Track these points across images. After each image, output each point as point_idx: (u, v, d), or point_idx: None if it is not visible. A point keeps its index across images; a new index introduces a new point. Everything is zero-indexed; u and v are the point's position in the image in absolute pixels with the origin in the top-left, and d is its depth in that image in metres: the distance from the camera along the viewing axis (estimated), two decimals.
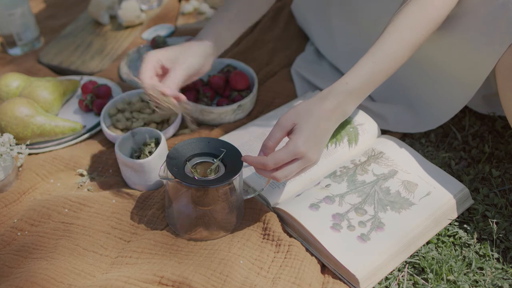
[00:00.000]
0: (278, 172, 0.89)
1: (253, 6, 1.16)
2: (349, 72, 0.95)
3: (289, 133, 0.92)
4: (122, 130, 1.19)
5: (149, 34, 1.53)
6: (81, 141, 1.23)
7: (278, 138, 0.92)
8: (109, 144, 1.21)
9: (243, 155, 0.94)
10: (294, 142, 0.89)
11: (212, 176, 0.95)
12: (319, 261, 0.95)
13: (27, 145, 1.18)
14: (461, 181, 1.08)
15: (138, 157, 1.08)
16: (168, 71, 1.03)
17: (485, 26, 1.00)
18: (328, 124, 0.92)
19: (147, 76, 1.01)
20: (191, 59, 1.05)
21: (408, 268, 0.95)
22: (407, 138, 1.19)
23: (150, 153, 1.09)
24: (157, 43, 1.45)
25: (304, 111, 0.92)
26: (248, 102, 1.23)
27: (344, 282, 0.92)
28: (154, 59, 1.02)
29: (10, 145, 1.10)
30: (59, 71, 1.45)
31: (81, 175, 1.14)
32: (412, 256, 0.96)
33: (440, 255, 0.96)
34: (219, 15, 1.13)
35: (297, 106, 0.93)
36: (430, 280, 0.92)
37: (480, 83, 1.03)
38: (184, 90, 1.27)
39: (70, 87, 1.30)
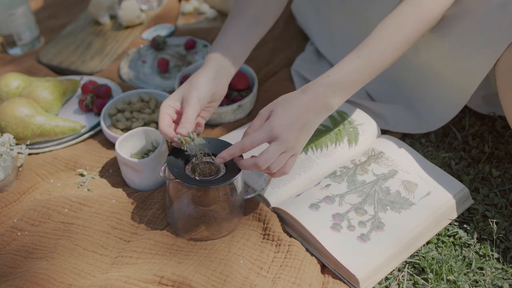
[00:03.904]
0: (258, 157, 0.90)
1: (265, 14, 1.11)
2: (332, 67, 0.96)
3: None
4: (122, 130, 1.19)
5: (149, 34, 1.53)
6: (81, 141, 1.23)
7: (256, 127, 0.94)
8: (109, 144, 1.21)
9: (243, 155, 0.94)
10: (269, 122, 0.92)
11: (212, 176, 0.95)
12: (319, 261, 0.95)
13: (27, 145, 1.18)
14: (461, 181, 1.08)
15: (142, 157, 1.09)
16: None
17: (484, 26, 1.00)
18: (307, 115, 0.92)
19: (165, 125, 0.98)
20: (197, 94, 1.00)
21: (408, 268, 0.95)
22: (407, 138, 1.19)
23: (148, 154, 1.09)
24: (157, 43, 1.45)
25: (282, 101, 0.94)
26: (248, 102, 1.23)
27: (344, 282, 0.92)
28: (166, 107, 0.99)
29: (10, 145, 1.10)
30: (59, 71, 1.45)
31: (81, 175, 1.14)
32: (412, 256, 0.96)
33: (440, 255, 0.96)
34: (227, 31, 1.07)
35: (277, 98, 0.95)
36: (430, 280, 0.92)
37: (479, 82, 1.03)
38: None
39: (70, 87, 1.30)
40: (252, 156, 0.92)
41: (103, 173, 1.14)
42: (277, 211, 1.02)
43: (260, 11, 1.09)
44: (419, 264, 0.95)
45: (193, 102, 0.98)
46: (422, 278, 0.93)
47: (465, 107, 1.20)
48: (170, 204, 1.00)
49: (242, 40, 1.07)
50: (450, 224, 1.01)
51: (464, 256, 0.96)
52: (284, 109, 0.92)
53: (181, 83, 1.27)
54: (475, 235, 0.98)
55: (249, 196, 1.01)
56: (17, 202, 1.08)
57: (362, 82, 0.96)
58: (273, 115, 0.92)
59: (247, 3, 1.08)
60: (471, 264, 0.94)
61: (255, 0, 1.08)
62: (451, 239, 0.99)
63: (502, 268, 0.94)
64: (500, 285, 0.91)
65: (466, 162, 1.13)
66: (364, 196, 1.01)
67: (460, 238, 0.99)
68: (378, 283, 0.93)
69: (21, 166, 1.15)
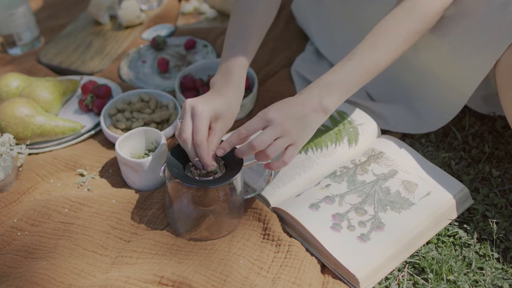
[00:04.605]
0: (254, 138, 0.91)
1: (267, 23, 1.11)
2: (328, 71, 0.96)
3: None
4: (122, 130, 1.19)
5: (149, 34, 1.53)
6: (81, 141, 1.23)
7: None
8: (109, 144, 1.21)
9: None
10: (264, 110, 0.93)
11: (212, 176, 0.95)
12: (319, 261, 0.95)
13: (27, 145, 1.18)
14: (461, 181, 1.08)
15: (142, 157, 1.09)
16: (210, 130, 0.97)
17: (484, 26, 1.00)
18: (304, 109, 0.93)
19: (205, 138, 0.93)
20: (232, 118, 0.99)
21: (408, 268, 0.95)
22: (407, 138, 1.19)
23: (149, 154, 1.09)
24: (157, 43, 1.45)
25: (279, 102, 0.94)
26: (248, 102, 1.23)
27: (344, 282, 0.92)
28: (208, 117, 0.94)
29: (10, 145, 1.10)
30: (59, 71, 1.45)
31: (81, 175, 1.14)
32: (412, 256, 0.96)
33: (440, 255, 0.96)
34: (248, 47, 1.04)
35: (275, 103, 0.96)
36: (430, 280, 0.92)
37: (479, 83, 1.03)
38: (184, 90, 1.27)
39: (70, 87, 1.30)
40: None
41: (103, 173, 1.14)
42: (277, 211, 1.02)
43: (265, 21, 1.09)
44: (419, 264, 0.95)
45: (226, 127, 0.98)
46: (422, 278, 0.93)
47: (465, 107, 1.20)
48: (170, 204, 1.00)
49: (254, 53, 1.07)
50: (450, 224, 1.01)
51: (464, 256, 0.96)
52: (280, 104, 0.94)
53: (181, 83, 1.27)
54: (475, 235, 0.98)
55: (249, 196, 1.01)
56: (17, 202, 1.08)
57: (358, 84, 0.96)
58: (270, 106, 0.93)
59: (253, 13, 1.07)
60: (471, 264, 0.94)
61: (259, 10, 1.07)
62: (451, 239, 0.99)
63: (502, 268, 0.94)
64: (500, 285, 0.91)
65: (466, 162, 1.13)
66: (364, 196, 1.01)
67: (460, 238, 0.99)
68: (378, 283, 0.93)
69: (21, 166, 1.15)
